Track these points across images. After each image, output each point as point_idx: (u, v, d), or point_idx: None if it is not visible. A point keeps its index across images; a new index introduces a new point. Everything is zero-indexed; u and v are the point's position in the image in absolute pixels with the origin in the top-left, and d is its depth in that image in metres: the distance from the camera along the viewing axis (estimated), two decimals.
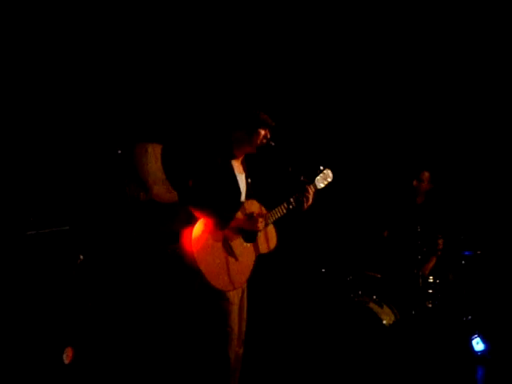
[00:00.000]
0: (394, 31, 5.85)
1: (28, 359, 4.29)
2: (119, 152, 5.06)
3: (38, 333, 4.39)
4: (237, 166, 3.95)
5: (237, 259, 3.77)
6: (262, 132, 3.89)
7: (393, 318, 5.07)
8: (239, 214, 3.79)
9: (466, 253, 5.27)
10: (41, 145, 4.92)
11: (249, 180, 3.99)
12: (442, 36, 5.80)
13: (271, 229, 3.96)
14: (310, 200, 3.93)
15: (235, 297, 3.81)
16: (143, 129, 5.30)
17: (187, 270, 3.70)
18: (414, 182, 5.57)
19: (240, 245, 3.80)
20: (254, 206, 3.89)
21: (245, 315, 3.94)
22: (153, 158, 5.23)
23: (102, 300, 4.77)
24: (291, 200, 3.92)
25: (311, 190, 3.95)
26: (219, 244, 3.71)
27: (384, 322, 4.97)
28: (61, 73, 5.04)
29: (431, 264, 5.47)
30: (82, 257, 4.66)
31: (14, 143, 4.82)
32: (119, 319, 4.79)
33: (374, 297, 5.16)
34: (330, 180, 4.12)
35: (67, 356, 4.42)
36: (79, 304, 4.62)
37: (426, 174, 5.56)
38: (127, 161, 5.13)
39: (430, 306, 5.20)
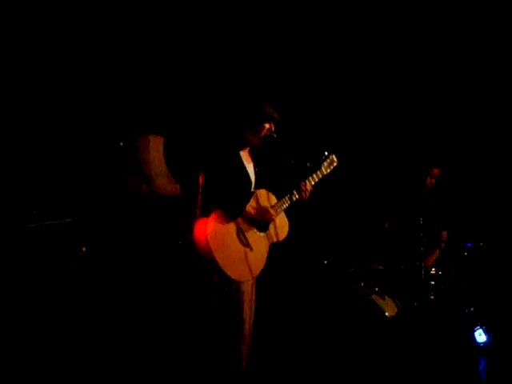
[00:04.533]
0: (408, 25, 5.82)
1: (30, 353, 4.29)
2: (121, 144, 5.06)
3: (41, 326, 4.39)
4: (245, 156, 3.97)
5: (252, 249, 3.78)
6: (267, 126, 3.91)
7: (395, 309, 5.07)
8: (251, 204, 3.80)
9: (468, 245, 5.27)
10: (43, 138, 4.92)
11: (256, 169, 4.01)
12: (456, 31, 5.78)
13: (282, 217, 3.99)
14: (309, 187, 3.98)
15: (248, 287, 3.82)
16: (145, 121, 5.30)
17: (199, 261, 3.71)
18: (427, 180, 5.54)
19: (254, 234, 3.82)
20: (264, 196, 3.90)
21: (253, 307, 3.94)
22: (155, 151, 5.23)
23: (104, 292, 4.77)
24: (294, 191, 3.95)
25: (312, 182, 4.01)
26: (234, 234, 3.72)
27: (386, 313, 4.97)
28: (63, 66, 5.04)
29: (434, 256, 5.47)
30: (84, 249, 4.66)
31: (17, 136, 4.82)
32: (122, 312, 4.79)
33: (377, 289, 5.16)
34: (335, 165, 4.18)
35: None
36: (82, 296, 4.62)
37: (437, 171, 5.54)
38: (129, 153, 5.13)
39: (433, 297, 5.20)
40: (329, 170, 4.14)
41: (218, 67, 5.62)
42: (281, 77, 5.84)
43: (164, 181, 5.24)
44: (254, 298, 3.95)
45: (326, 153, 4.15)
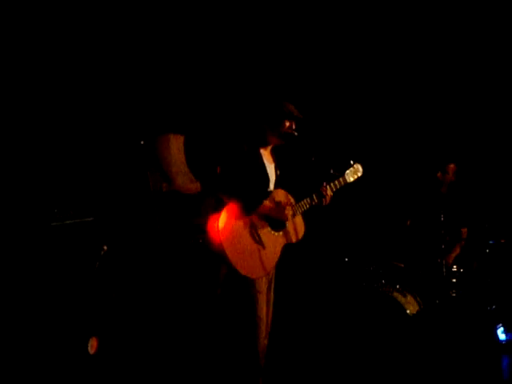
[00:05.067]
0: (423, 26, 5.81)
1: (53, 350, 4.32)
2: (142, 143, 5.06)
3: (63, 324, 4.42)
4: (266, 154, 3.96)
5: (264, 247, 3.77)
6: (287, 124, 3.90)
7: (417, 307, 5.05)
8: (267, 202, 3.79)
9: (490, 241, 5.23)
10: (65, 137, 4.95)
11: (278, 172, 4.00)
12: (468, 28, 5.75)
13: (299, 219, 3.98)
14: (329, 194, 3.95)
15: (262, 286, 3.81)
16: (165, 120, 5.31)
17: (214, 258, 3.71)
18: (439, 174, 5.53)
19: (267, 233, 3.81)
20: (282, 196, 3.90)
21: (271, 308, 3.94)
22: (175, 149, 5.24)
23: (126, 291, 4.79)
24: (314, 196, 3.94)
25: (333, 189, 4.00)
26: (246, 232, 3.72)
27: (408, 311, 4.95)
28: (85, 65, 5.05)
29: (455, 253, 5.45)
30: (105, 247, 4.68)
31: (40, 136, 4.85)
32: (143, 310, 4.81)
33: (398, 286, 5.14)
34: (359, 174, 4.17)
35: (92, 346, 4.44)
36: (103, 295, 4.64)
37: (452, 166, 5.53)
38: (150, 152, 5.14)
39: (454, 295, 5.17)
40: (352, 179, 4.13)
41: (242, 66, 5.62)
42: (303, 78, 5.84)
43: (185, 179, 5.25)
44: (272, 295, 3.95)
45: (352, 161, 4.14)
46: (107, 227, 4.80)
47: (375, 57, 6.01)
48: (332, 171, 4.02)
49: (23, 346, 4.29)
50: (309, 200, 3.93)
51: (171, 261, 4.95)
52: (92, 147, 5.02)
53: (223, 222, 3.65)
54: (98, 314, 4.57)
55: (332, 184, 4.00)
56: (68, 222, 4.60)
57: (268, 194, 3.85)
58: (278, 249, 3.87)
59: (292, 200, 3.93)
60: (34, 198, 4.69)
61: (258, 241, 3.76)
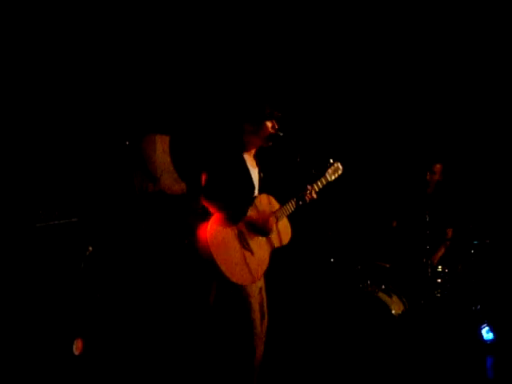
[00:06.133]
0: (407, 25, 5.82)
1: (38, 351, 4.31)
2: (127, 143, 5.05)
3: (48, 325, 4.40)
4: (249, 159, 3.95)
5: (253, 253, 3.77)
6: (269, 124, 3.89)
7: (402, 307, 5.07)
8: (252, 209, 3.79)
9: (475, 242, 5.25)
10: (49, 137, 4.93)
11: (261, 174, 4.00)
12: (453, 30, 5.77)
13: (285, 223, 3.98)
14: (314, 195, 3.96)
15: (253, 290, 3.80)
16: (151, 120, 5.30)
17: (203, 263, 3.70)
18: (428, 176, 5.55)
19: (255, 238, 3.80)
20: (266, 201, 3.89)
21: (266, 313, 3.92)
22: (161, 150, 5.23)
23: (110, 291, 4.77)
24: (299, 196, 3.93)
25: (316, 188, 3.98)
26: (234, 239, 3.71)
27: (393, 311, 4.97)
28: (69, 65, 5.03)
29: (440, 253, 5.47)
30: (90, 248, 4.67)
31: (23, 136, 4.83)
32: (128, 311, 4.80)
33: (383, 286, 5.16)
34: (340, 173, 4.16)
35: (77, 347, 4.43)
36: (88, 295, 4.63)
37: (438, 166, 5.55)
38: (135, 152, 5.13)
39: (439, 295, 5.19)
40: (333, 178, 4.12)
41: (225, 67, 5.62)
42: (285, 79, 5.84)
43: (170, 180, 5.24)
44: (264, 298, 3.95)
45: (331, 160, 4.14)
46: (92, 228, 4.79)
47: (359, 55, 6.00)
48: (313, 171, 4.02)
49: (8, 346, 4.27)
50: (293, 202, 3.92)
51: (156, 261, 4.94)
52: (77, 147, 5.00)
53: (211, 231, 3.64)
54: (83, 314, 4.55)
55: (315, 184, 4.00)
56: (53, 222, 4.58)
57: (252, 200, 3.84)
58: (267, 254, 3.87)
59: (275, 203, 3.93)
60: (18, 199, 4.67)
61: (247, 247, 3.76)
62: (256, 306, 3.81)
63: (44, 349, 4.33)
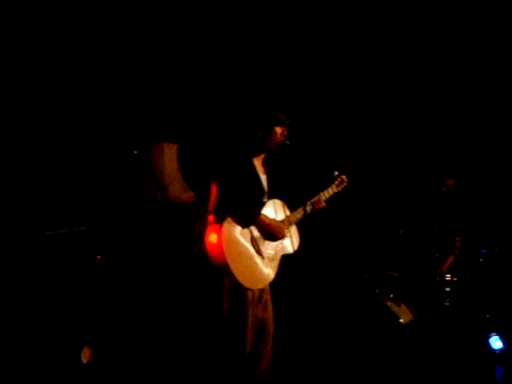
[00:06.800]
0: (423, 33, 5.82)
1: (46, 359, 4.31)
2: (135, 152, 5.07)
3: (56, 333, 4.41)
4: (258, 166, 3.96)
5: (263, 257, 3.77)
6: (279, 130, 3.91)
7: (410, 316, 5.05)
8: (265, 214, 3.79)
9: (483, 251, 5.24)
10: (58, 146, 4.95)
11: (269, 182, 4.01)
12: (470, 36, 5.77)
13: (295, 229, 3.99)
14: (322, 203, 3.98)
15: (253, 297, 3.80)
16: (158, 129, 5.32)
17: (211, 269, 3.70)
18: (443, 189, 5.53)
19: (266, 244, 3.80)
20: (277, 206, 3.90)
21: (271, 316, 3.91)
22: (168, 158, 5.24)
23: (119, 300, 4.78)
24: (308, 203, 3.96)
25: (322, 198, 4.02)
26: (247, 242, 3.71)
27: (401, 320, 4.95)
28: (79, 76, 5.06)
29: (448, 262, 5.45)
30: (99, 257, 4.68)
31: (32, 145, 4.85)
32: (136, 319, 4.80)
33: (392, 295, 5.14)
34: (345, 185, 4.19)
35: (85, 356, 4.43)
36: (96, 304, 4.64)
37: (451, 182, 5.53)
38: (143, 161, 5.15)
39: (448, 304, 5.17)
40: (339, 189, 4.15)
41: (234, 74, 5.64)
42: (294, 85, 5.86)
43: (178, 188, 5.25)
44: (269, 306, 3.93)
45: (337, 173, 4.17)
46: (100, 236, 4.80)
47: (367, 66, 6.01)
48: (321, 183, 4.05)
49: (17, 354, 4.28)
50: (302, 209, 3.95)
51: (165, 270, 4.95)
52: (86, 157, 5.02)
53: (224, 235, 3.64)
54: (91, 323, 4.56)
55: (321, 193, 4.03)
56: (61, 231, 4.60)
57: (263, 204, 3.85)
58: (277, 259, 3.87)
59: (287, 210, 3.95)
60: (27, 208, 4.69)
61: (258, 251, 3.76)
62: (253, 314, 3.78)
63: (52, 357, 4.34)
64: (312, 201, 3.97)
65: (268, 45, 5.71)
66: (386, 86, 6.11)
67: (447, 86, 6.05)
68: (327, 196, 4.06)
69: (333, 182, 4.11)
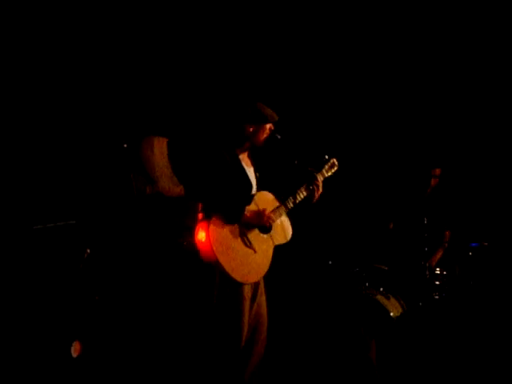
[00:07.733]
0: (406, 25, 5.82)
1: (36, 353, 4.31)
2: (125, 146, 5.06)
3: (46, 327, 4.40)
4: (244, 159, 3.95)
5: (255, 251, 3.78)
6: (267, 126, 3.90)
7: (400, 309, 5.06)
8: (252, 206, 3.78)
9: (473, 244, 5.26)
10: (47, 139, 4.93)
11: (257, 174, 4.00)
12: (454, 30, 5.77)
13: (286, 219, 3.98)
14: (320, 188, 3.97)
15: (249, 292, 3.80)
16: (149, 123, 5.30)
17: (201, 264, 3.70)
18: (432, 181, 5.54)
19: (257, 236, 3.81)
20: (266, 197, 3.90)
21: (265, 312, 3.93)
22: (159, 152, 5.23)
23: (109, 294, 4.77)
24: (302, 189, 3.95)
25: (320, 178, 4.00)
26: (237, 237, 3.72)
27: (391, 314, 4.96)
28: (66, 68, 5.05)
29: (438, 256, 5.46)
30: (88, 251, 4.67)
31: (20, 138, 4.83)
32: (126, 313, 4.79)
33: (381, 289, 5.14)
34: (336, 168, 4.18)
35: (75, 350, 4.42)
36: (86, 298, 4.63)
37: (438, 170, 5.54)
38: (133, 155, 5.13)
39: (437, 297, 5.19)
40: (330, 174, 4.14)
41: (222, 69, 5.63)
42: (281, 78, 5.84)
43: (168, 182, 5.23)
44: (263, 301, 3.94)
45: (327, 156, 4.16)
46: (90, 230, 4.79)
47: (358, 55, 5.99)
48: (310, 168, 4.03)
49: (6, 348, 4.27)
50: (292, 198, 3.94)
51: (155, 263, 4.94)
52: (75, 150, 5.01)
53: (212, 230, 3.64)
54: (81, 317, 4.55)
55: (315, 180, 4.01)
56: (50, 225, 4.59)
57: (251, 198, 3.84)
58: (270, 251, 3.88)
59: (276, 201, 3.94)
60: (15, 201, 4.68)
61: (249, 245, 3.77)
62: (248, 310, 3.79)
63: (42, 351, 4.33)
64: (302, 189, 3.96)
65: (254, 39, 5.70)
66: (371, 80, 6.10)
67: (432, 78, 6.05)
68: (319, 181, 4.03)
69: (322, 167, 4.10)
